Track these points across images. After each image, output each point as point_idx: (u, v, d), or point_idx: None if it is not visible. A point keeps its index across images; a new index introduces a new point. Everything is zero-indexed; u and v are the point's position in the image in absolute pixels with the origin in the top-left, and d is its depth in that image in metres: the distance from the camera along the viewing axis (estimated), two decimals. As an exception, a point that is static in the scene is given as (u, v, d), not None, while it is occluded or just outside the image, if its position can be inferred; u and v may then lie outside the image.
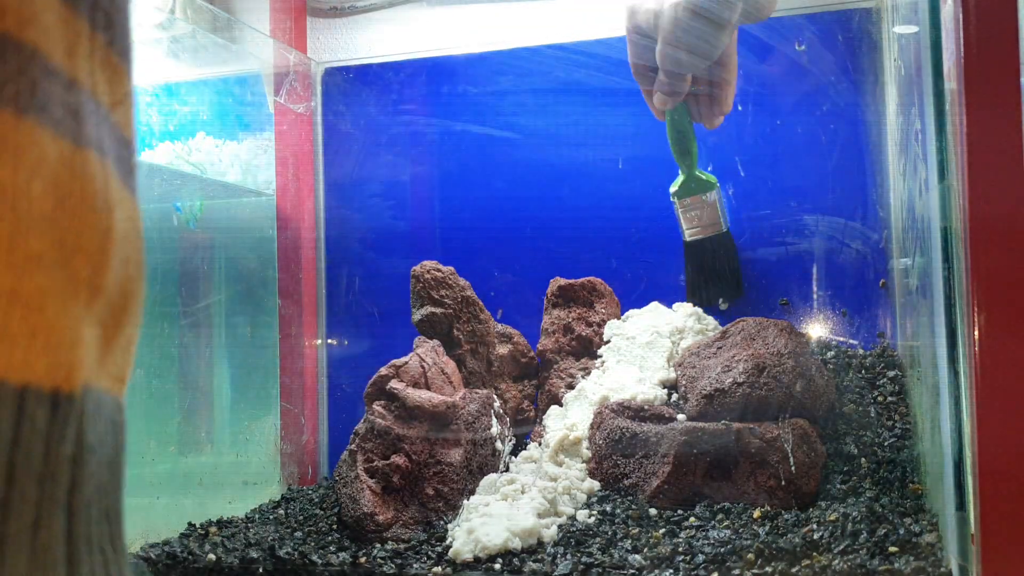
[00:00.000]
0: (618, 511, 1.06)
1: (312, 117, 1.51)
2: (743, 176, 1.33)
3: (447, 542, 1.03)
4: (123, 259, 0.34)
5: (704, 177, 1.29)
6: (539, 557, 0.97)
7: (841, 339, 1.26)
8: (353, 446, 1.15)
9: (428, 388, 1.16)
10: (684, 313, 1.30)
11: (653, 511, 1.06)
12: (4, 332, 0.27)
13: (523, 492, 1.10)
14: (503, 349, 1.33)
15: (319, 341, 1.50)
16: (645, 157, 1.37)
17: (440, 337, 1.26)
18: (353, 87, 1.50)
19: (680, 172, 1.29)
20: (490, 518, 1.03)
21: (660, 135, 1.31)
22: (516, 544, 0.99)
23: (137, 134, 0.36)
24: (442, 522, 1.09)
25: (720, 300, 1.32)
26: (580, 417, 1.21)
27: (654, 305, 1.32)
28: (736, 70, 1.21)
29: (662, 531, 0.99)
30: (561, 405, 1.27)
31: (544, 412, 1.30)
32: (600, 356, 1.29)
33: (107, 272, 0.32)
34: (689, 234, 1.31)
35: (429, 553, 1.02)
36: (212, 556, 1.04)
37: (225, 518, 1.20)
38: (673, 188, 1.30)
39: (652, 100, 1.23)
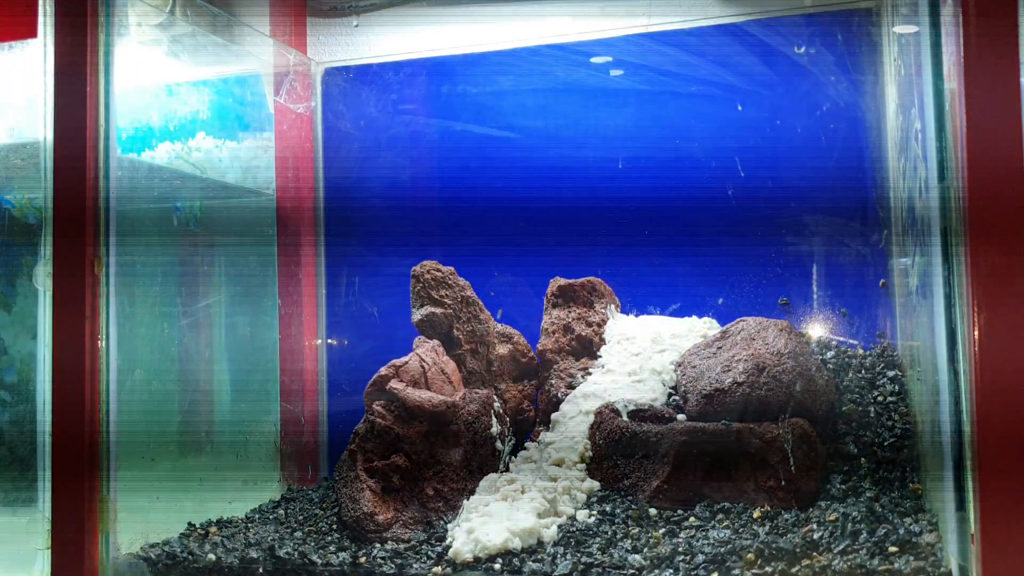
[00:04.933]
0: (618, 511, 1.06)
1: (312, 117, 1.51)
2: (743, 176, 1.33)
3: (447, 542, 1.03)
4: None
5: None
6: (539, 557, 0.97)
7: (841, 339, 1.26)
8: (353, 446, 1.15)
9: (428, 388, 1.17)
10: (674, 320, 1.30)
11: (653, 511, 1.06)
12: None
13: (523, 492, 1.10)
14: (503, 349, 1.33)
15: (319, 341, 1.50)
16: (645, 156, 1.37)
17: (440, 337, 1.26)
18: (353, 87, 1.50)
19: None
20: (490, 518, 1.03)
21: (659, 134, 1.31)
22: (516, 544, 0.99)
23: None
24: (442, 522, 1.09)
25: None
26: (579, 422, 1.21)
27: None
28: None
29: (662, 531, 0.99)
30: (561, 405, 1.27)
31: (544, 412, 1.30)
32: (600, 356, 1.29)
33: None
34: None
35: (429, 553, 1.02)
36: (212, 556, 1.04)
37: (225, 518, 1.20)
38: None
39: None
